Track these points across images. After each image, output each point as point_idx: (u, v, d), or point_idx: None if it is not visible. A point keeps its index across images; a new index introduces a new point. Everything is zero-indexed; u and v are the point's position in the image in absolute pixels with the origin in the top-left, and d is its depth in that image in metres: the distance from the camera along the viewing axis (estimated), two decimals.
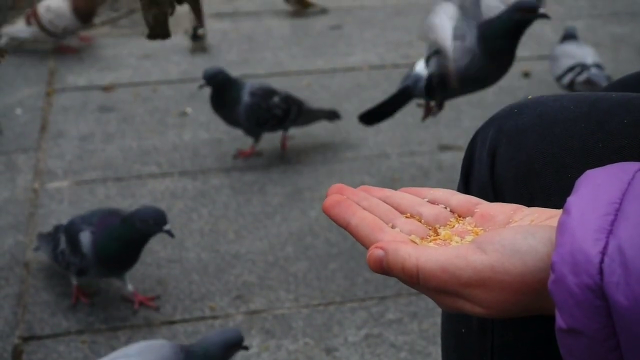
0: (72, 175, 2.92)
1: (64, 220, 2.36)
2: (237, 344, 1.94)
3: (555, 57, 3.47)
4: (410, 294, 2.28)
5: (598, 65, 3.30)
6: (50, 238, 2.31)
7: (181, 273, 2.40)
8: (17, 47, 3.92)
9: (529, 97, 0.95)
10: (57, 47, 3.98)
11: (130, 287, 2.27)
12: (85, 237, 2.18)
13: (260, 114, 2.86)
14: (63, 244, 2.23)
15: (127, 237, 2.17)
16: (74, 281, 2.28)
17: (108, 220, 2.20)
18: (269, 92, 2.90)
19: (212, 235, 2.57)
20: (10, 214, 2.70)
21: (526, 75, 3.71)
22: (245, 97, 2.84)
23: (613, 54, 3.92)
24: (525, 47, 3.99)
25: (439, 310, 0.89)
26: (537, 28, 4.23)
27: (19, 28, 3.88)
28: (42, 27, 3.82)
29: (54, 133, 3.21)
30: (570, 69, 3.34)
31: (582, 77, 3.29)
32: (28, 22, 3.84)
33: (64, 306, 2.29)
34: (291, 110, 2.93)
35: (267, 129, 2.94)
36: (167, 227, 2.16)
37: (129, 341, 2.13)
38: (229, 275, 2.41)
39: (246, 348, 1.98)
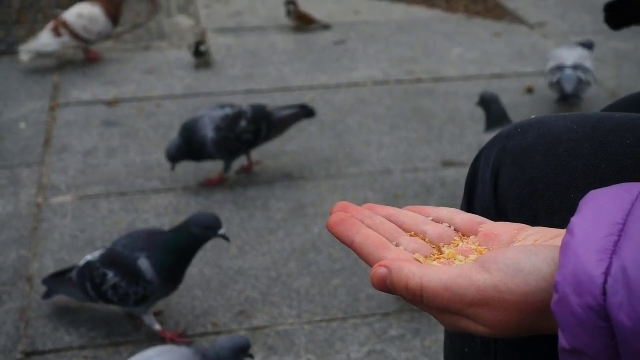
0: (75, 190, 2.92)
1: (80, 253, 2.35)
2: (244, 349, 1.99)
3: (547, 59, 3.60)
4: (413, 311, 2.27)
5: (578, 67, 3.37)
6: (77, 280, 2.21)
7: (184, 289, 2.40)
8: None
9: (533, 116, 0.95)
10: (86, 54, 4.01)
11: (158, 327, 2.23)
12: (145, 264, 2.13)
13: (229, 145, 2.83)
14: (114, 278, 2.15)
15: (183, 246, 2.14)
16: (157, 327, 2.20)
17: (155, 239, 2.16)
18: (234, 119, 2.83)
19: (215, 250, 2.57)
20: (14, 228, 2.70)
21: (529, 91, 3.72)
22: (210, 134, 2.80)
23: (616, 70, 3.93)
24: (529, 63, 4.00)
25: (442, 327, 0.89)
26: (540, 44, 4.25)
27: (46, 42, 3.85)
28: (75, 35, 3.83)
29: (57, 148, 3.22)
30: (553, 70, 3.43)
31: (555, 78, 3.38)
32: (57, 34, 3.83)
33: (67, 321, 2.28)
34: (261, 129, 2.88)
35: (242, 153, 2.92)
36: (222, 231, 2.15)
37: (131, 357, 2.13)
38: (231, 291, 2.41)
39: (252, 356, 2.01)
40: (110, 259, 2.18)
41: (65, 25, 3.82)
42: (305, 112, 3.02)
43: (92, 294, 2.20)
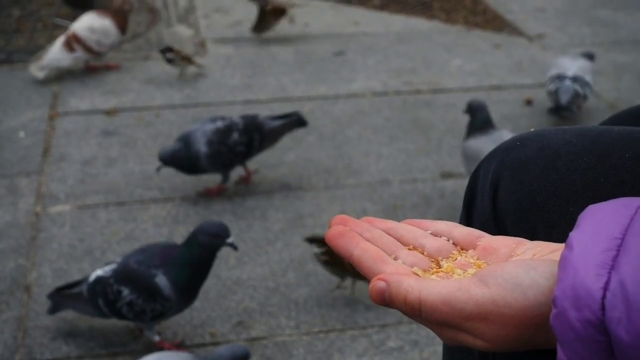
0: (74, 199, 2.92)
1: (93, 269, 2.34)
2: (244, 359, 1.98)
3: (549, 66, 3.64)
4: (411, 322, 2.27)
5: (577, 79, 3.40)
6: (87, 296, 2.18)
7: None
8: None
9: (532, 129, 0.95)
10: (105, 64, 4.03)
11: (157, 338, 2.22)
12: (162, 281, 2.11)
13: (223, 158, 2.84)
14: (129, 295, 2.12)
15: (195, 259, 2.13)
16: (156, 337, 2.19)
17: (169, 254, 2.14)
18: (225, 131, 2.83)
19: None
20: (12, 237, 2.70)
21: (528, 102, 3.72)
22: (203, 149, 2.80)
23: (615, 82, 3.93)
24: (528, 75, 4.01)
25: (440, 339, 0.89)
26: (539, 56, 4.26)
27: (59, 57, 3.86)
28: (88, 49, 3.86)
29: (56, 157, 3.22)
30: (552, 78, 3.46)
31: (553, 87, 3.41)
32: (70, 49, 3.84)
33: (64, 331, 2.28)
34: (254, 140, 2.88)
35: (236, 165, 2.92)
36: (230, 239, 2.14)
37: None
38: (229, 302, 2.40)
39: None
40: (125, 274, 2.14)
41: (77, 39, 3.84)
42: (298, 121, 3.02)
43: (104, 310, 2.17)
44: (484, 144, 2.82)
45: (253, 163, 3.06)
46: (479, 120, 2.86)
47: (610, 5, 5.12)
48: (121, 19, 3.96)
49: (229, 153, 2.83)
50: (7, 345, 2.23)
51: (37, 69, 3.85)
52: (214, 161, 2.82)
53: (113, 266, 2.19)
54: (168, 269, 2.11)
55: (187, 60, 3.94)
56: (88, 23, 3.89)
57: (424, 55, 4.29)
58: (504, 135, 2.85)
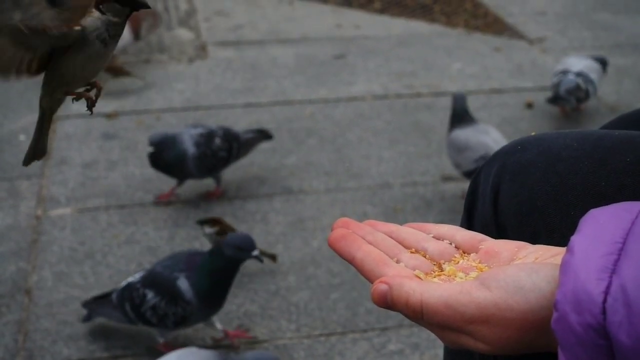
0: (74, 203, 2.92)
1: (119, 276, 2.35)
2: None
3: (556, 66, 3.71)
4: (412, 325, 2.27)
5: (581, 75, 3.45)
6: (116, 302, 2.20)
7: None
8: None
9: (533, 133, 0.95)
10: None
11: (219, 326, 2.24)
12: (184, 284, 2.11)
13: (208, 161, 2.84)
14: (153, 298, 2.14)
15: (219, 268, 2.12)
16: (161, 338, 2.21)
17: (194, 260, 2.14)
18: (209, 136, 2.85)
19: None
20: (13, 240, 2.70)
21: (529, 106, 3.72)
22: (191, 149, 2.81)
23: (616, 86, 3.94)
24: (528, 78, 4.01)
25: (441, 342, 0.89)
26: (540, 60, 4.26)
27: None
28: None
29: (57, 160, 3.22)
30: (557, 73, 3.52)
31: (556, 79, 3.48)
32: None
33: (65, 334, 2.28)
34: (233, 147, 2.90)
35: (217, 171, 2.92)
36: (255, 252, 2.13)
37: None
38: (230, 305, 2.40)
39: None
40: (151, 279, 2.16)
41: None
42: (265, 135, 3.05)
43: (131, 315, 2.18)
44: (471, 133, 2.89)
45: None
46: (459, 110, 2.94)
47: (610, 9, 5.12)
48: (136, 23, 3.96)
49: (212, 157, 2.84)
50: (7, 348, 2.23)
51: None
52: (200, 164, 2.82)
53: (142, 273, 2.21)
54: (191, 274, 2.12)
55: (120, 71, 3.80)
56: None
57: (425, 59, 4.30)
58: (487, 127, 2.96)
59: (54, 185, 3.03)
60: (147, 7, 0.99)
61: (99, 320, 2.32)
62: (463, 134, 2.89)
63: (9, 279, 2.51)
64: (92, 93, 1.09)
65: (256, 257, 2.14)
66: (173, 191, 2.94)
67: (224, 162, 2.89)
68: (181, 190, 2.98)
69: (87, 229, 2.76)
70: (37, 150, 1.12)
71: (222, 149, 2.86)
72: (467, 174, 2.84)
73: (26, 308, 2.38)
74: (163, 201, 2.92)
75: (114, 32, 1.01)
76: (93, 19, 0.99)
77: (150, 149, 2.82)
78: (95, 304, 2.26)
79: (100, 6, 0.99)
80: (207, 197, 2.95)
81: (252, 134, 3.01)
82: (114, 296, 2.21)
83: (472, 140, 2.86)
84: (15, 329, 2.30)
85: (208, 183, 3.01)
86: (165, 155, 2.81)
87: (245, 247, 2.11)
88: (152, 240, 2.68)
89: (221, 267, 2.12)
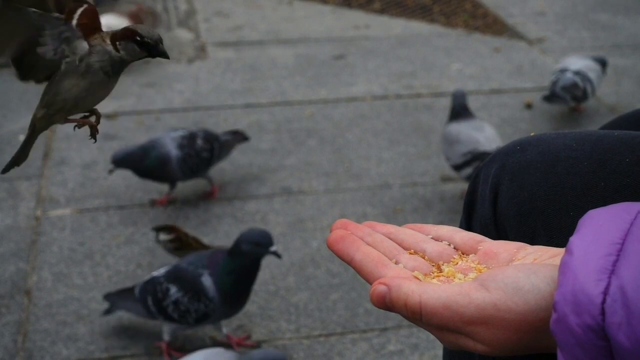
0: (74, 203, 2.92)
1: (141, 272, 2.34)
2: None
3: (557, 64, 3.74)
4: (411, 326, 2.27)
5: (579, 73, 3.46)
6: (139, 295, 2.20)
7: None
8: None
9: (532, 133, 0.95)
10: None
11: (224, 330, 2.24)
12: (207, 281, 2.11)
13: (192, 162, 2.84)
14: (176, 293, 2.13)
15: (237, 265, 2.12)
16: (167, 337, 2.20)
17: (217, 257, 2.15)
18: (191, 137, 2.86)
19: None
20: (12, 241, 2.70)
21: (528, 106, 3.72)
22: (174, 152, 2.80)
23: (615, 86, 3.94)
24: (528, 79, 4.01)
25: (440, 343, 0.89)
26: (539, 60, 4.26)
27: None
28: None
29: (56, 160, 3.22)
30: (555, 71, 3.54)
31: (554, 77, 3.49)
32: None
33: (64, 335, 2.28)
34: (214, 148, 2.90)
35: (201, 172, 2.91)
36: (273, 248, 2.12)
37: None
38: None
39: None
40: (175, 274, 2.16)
41: None
42: (242, 137, 3.06)
43: (152, 309, 2.17)
44: (464, 128, 2.91)
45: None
46: (457, 106, 2.97)
47: (610, 9, 5.12)
48: (138, 22, 3.96)
49: (196, 157, 2.84)
50: (7, 349, 2.23)
51: None
52: (184, 165, 2.81)
53: (166, 268, 2.21)
54: (214, 272, 2.12)
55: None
56: (105, 22, 3.90)
57: (424, 59, 4.30)
58: (483, 124, 2.96)
59: (53, 186, 3.03)
60: (166, 57, 0.96)
61: (99, 320, 2.32)
62: (456, 127, 2.93)
63: (8, 279, 2.51)
64: (92, 119, 1.06)
65: (274, 253, 2.13)
66: (168, 197, 2.93)
67: (207, 162, 2.89)
68: (181, 190, 2.98)
69: (86, 229, 2.76)
70: (20, 157, 1.09)
71: (205, 150, 2.86)
72: (455, 168, 2.88)
73: (26, 309, 2.38)
74: (162, 203, 2.92)
75: (119, 70, 0.98)
76: (103, 49, 0.97)
77: (111, 167, 2.82)
78: (117, 297, 2.25)
79: (118, 43, 0.96)
80: (205, 198, 2.95)
81: (229, 135, 3.02)
82: (136, 289, 2.21)
83: (463, 134, 2.89)
84: (15, 329, 2.30)
85: (207, 183, 3.01)
86: (148, 162, 2.81)
87: (263, 243, 2.11)
88: (151, 241, 2.68)
89: (241, 265, 2.12)
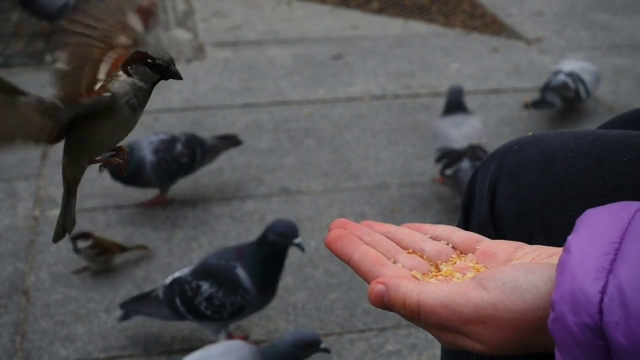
0: None
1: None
2: (311, 344, 1.95)
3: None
4: (409, 326, 2.27)
5: (572, 74, 3.47)
6: (164, 298, 2.17)
7: None
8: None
9: (530, 133, 0.95)
10: None
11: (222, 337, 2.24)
12: (242, 272, 2.11)
13: (168, 168, 2.81)
14: (209, 289, 2.13)
15: (265, 254, 2.13)
16: (214, 337, 2.20)
17: (244, 250, 2.16)
18: (170, 142, 2.83)
19: None
20: (10, 241, 2.70)
21: (527, 106, 3.72)
22: (149, 156, 2.78)
23: (613, 86, 3.94)
24: (526, 79, 4.01)
25: (439, 342, 0.89)
26: (537, 60, 4.26)
27: None
28: None
29: (55, 160, 3.21)
30: (549, 74, 3.55)
31: (546, 80, 3.50)
32: None
33: (63, 335, 2.28)
34: (196, 153, 2.86)
35: (179, 178, 2.89)
36: (297, 240, 2.13)
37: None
38: None
39: (327, 350, 1.98)
40: (205, 271, 2.15)
41: None
42: (234, 141, 3.02)
43: (181, 309, 2.16)
44: (443, 124, 2.96)
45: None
46: (449, 102, 3.02)
47: (608, 9, 5.13)
48: (146, 18, 3.95)
49: (174, 163, 2.81)
50: (5, 349, 2.22)
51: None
52: (159, 170, 2.79)
53: (190, 268, 2.20)
54: (245, 263, 2.13)
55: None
56: None
57: (423, 59, 4.30)
58: (466, 119, 2.96)
59: (51, 186, 3.03)
60: (179, 78, 0.92)
61: (97, 320, 2.32)
62: (438, 123, 2.99)
63: (6, 279, 2.51)
64: (119, 157, 1.02)
65: (297, 245, 2.14)
66: (158, 198, 2.93)
67: (187, 168, 2.86)
68: (180, 190, 2.98)
69: (84, 229, 2.75)
70: (67, 223, 1.05)
71: (184, 155, 2.82)
72: (436, 161, 2.89)
73: (24, 309, 2.38)
74: (161, 203, 2.91)
75: (143, 99, 0.94)
76: (120, 83, 0.92)
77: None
78: (136, 303, 2.23)
79: (129, 67, 0.92)
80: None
81: (218, 140, 2.99)
82: (160, 292, 2.19)
83: (439, 130, 2.95)
84: (13, 329, 2.30)
85: (205, 184, 3.01)
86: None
87: (288, 234, 2.12)
88: (149, 240, 2.68)
89: (269, 254, 2.13)
